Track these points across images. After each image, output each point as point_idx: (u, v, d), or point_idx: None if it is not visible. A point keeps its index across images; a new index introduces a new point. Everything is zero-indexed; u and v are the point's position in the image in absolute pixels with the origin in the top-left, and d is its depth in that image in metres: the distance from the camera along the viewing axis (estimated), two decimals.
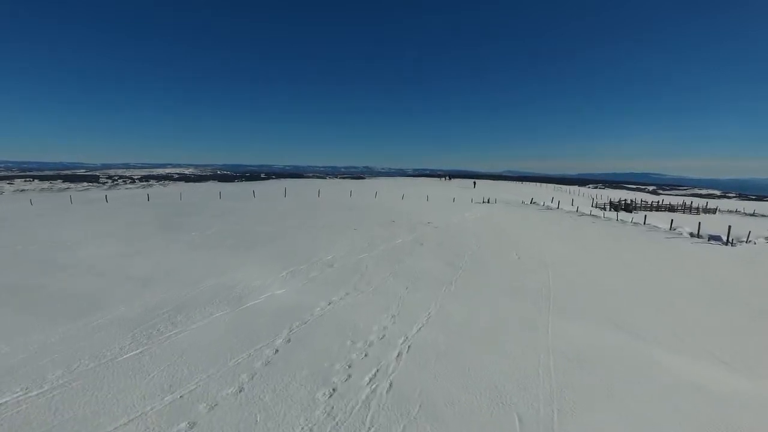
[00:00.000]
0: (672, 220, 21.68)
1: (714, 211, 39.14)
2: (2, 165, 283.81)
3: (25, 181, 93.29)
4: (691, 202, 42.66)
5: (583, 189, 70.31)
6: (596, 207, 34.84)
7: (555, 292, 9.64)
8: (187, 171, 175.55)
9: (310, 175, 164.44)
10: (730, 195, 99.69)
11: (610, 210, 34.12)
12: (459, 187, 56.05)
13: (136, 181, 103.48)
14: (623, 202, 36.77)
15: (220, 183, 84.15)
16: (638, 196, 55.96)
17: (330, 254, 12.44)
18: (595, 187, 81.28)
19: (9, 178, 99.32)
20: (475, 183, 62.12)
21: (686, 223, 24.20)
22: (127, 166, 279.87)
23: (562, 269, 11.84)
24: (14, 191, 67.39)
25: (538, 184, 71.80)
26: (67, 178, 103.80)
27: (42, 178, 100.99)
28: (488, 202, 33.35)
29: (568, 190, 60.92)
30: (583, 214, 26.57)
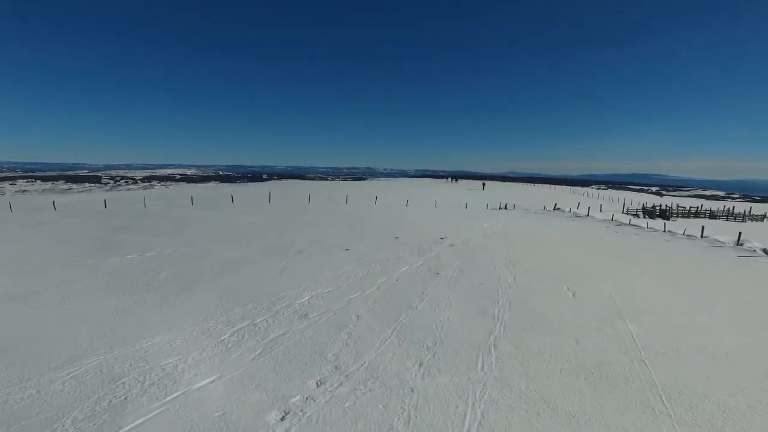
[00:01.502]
0: (740, 233, 17.71)
1: (762, 218, 34.77)
2: (6, 166, 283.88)
3: (27, 182, 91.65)
4: (733, 208, 38.25)
5: (606, 192, 65.25)
6: (627, 213, 30.69)
7: (663, 380, 5.73)
8: (189, 172, 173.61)
9: (312, 176, 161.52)
10: (734, 195, 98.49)
11: (644, 216, 30.00)
12: (467, 189, 51.89)
13: (138, 181, 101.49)
14: (658, 207, 32.50)
15: (221, 183, 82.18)
16: (663, 200, 51.74)
17: (306, 294, 8.62)
18: (599, 188, 78.48)
19: (11, 179, 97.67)
20: (484, 184, 57.97)
21: (736, 233, 20.07)
22: (129, 167, 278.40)
23: (647, 320, 7.94)
24: (16, 192, 65.99)
25: (552, 186, 67.45)
26: (69, 179, 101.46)
27: (44, 179, 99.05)
28: (505, 208, 29.38)
29: (586, 193, 56.36)
30: (620, 224, 22.54)
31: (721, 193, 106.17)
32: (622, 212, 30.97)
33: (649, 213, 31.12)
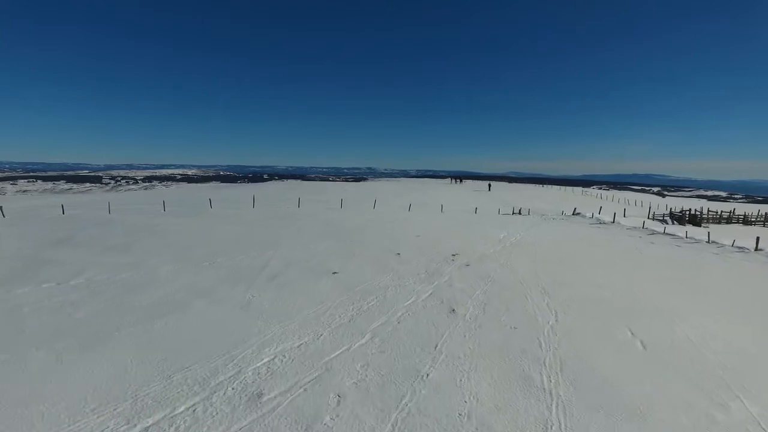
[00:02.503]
0: None
1: None
2: (7, 166, 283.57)
3: (28, 181, 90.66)
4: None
5: (607, 192, 62.63)
6: (653, 218, 27.85)
7: None
8: (190, 172, 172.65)
9: (313, 176, 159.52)
10: (736, 196, 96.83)
11: (672, 222, 27.17)
12: (473, 191, 49.01)
13: (139, 181, 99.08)
14: (686, 212, 29.57)
15: (221, 184, 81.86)
16: (688, 203, 48.76)
17: (268, 350, 5.97)
18: (600, 188, 76.40)
19: (13, 179, 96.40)
20: (490, 185, 55.19)
21: None
22: (130, 167, 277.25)
23: None
24: (17, 192, 65.28)
25: (562, 187, 64.33)
26: (70, 179, 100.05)
27: (45, 179, 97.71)
28: (519, 212, 26.68)
29: (600, 195, 53.05)
30: (654, 233, 19.78)
31: (723, 194, 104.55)
32: (648, 217, 28.12)
33: (678, 218, 28.26)
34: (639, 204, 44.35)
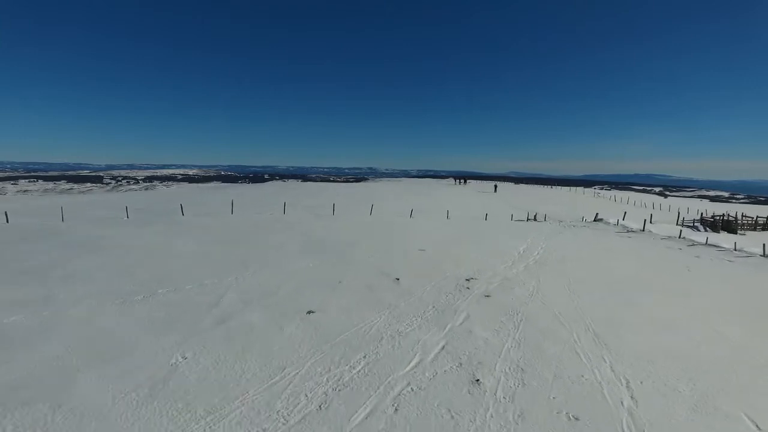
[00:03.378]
0: None
1: None
2: (9, 166, 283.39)
3: (29, 181, 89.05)
4: None
5: (609, 192, 60.58)
6: (683, 224, 25.01)
7: None
8: (191, 172, 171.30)
9: (314, 176, 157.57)
10: (738, 196, 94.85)
11: (704, 229, 24.40)
12: (478, 192, 45.89)
13: (140, 181, 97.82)
14: (720, 218, 26.56)
15: (223, 183, 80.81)
16: (695, 205, 46.07)
17: None
18: (602, 188, 75.03)
19: (14, 179, 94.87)
20: (496, 186, 51.89)
21: None
22: (131, 167, 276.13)
23: None
24: (17, 192, 63.77)
25: (572, 188, 61.35)
26: (71, 179, 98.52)
27: (46, 179, 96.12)
28: (534, 218, 23.73)
29: (614, 197, 49.46)
30: (694, 243, 17.07)
31: (726, 194, 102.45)
32: (677, 223, 25.33)
33: (711, 225, 25.41)
34: (658, 207, 41.41)
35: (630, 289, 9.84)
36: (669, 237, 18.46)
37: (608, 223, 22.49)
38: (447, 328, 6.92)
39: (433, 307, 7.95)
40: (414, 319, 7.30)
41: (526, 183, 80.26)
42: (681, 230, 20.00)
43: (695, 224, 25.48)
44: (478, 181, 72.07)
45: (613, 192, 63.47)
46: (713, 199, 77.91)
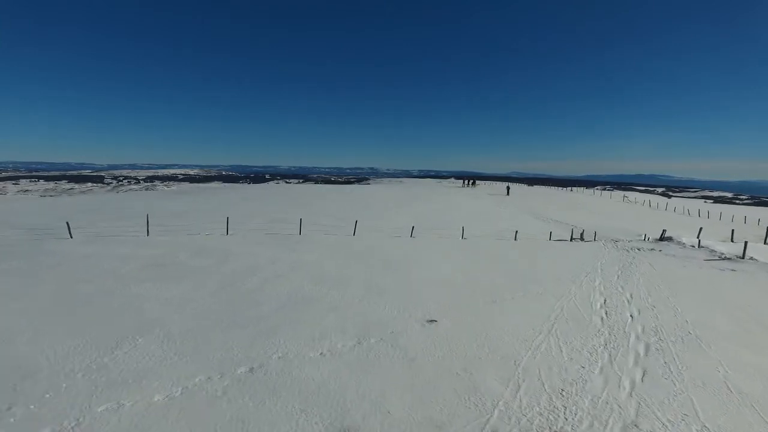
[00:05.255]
0: None
1: None
2: (11, 166, 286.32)
3: (30, 181, 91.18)
4: None
5: (612, 193, 58.52)
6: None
7: None
8: (192, 172, 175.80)
9: (315, 176, 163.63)
10: (742, 197, 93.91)
11: None
12: (488, 195, 39.99)
13: (141, 181, 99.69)
14: None
15: (224, 183, 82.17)
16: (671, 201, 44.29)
17: None
18: (604, 189, 73.49)
19: (15, 179, 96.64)
20: (508, 188, 46.56)
21: None
22: (133, 167, 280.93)
23: None
24: (18, 192, 62.90)
25: (596, 190, 56.71)
26: (72, 179, 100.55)
27: (47, 179, 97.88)
28: (581, 238, 18.84)
29: (647, 202, 41.54)
30: None
31: (729, 195, 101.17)
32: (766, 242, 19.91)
33: None
34: (705, 215, 36.24)
35: None
36: None
37: (683, 244, 17.24)
38: None
39: None
40: None
41: (528, 184, 73.29)
42: None
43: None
44: (486, 182, 65.08)
45: (615, 192, 61.05)
46: (717, 200, 75.40)
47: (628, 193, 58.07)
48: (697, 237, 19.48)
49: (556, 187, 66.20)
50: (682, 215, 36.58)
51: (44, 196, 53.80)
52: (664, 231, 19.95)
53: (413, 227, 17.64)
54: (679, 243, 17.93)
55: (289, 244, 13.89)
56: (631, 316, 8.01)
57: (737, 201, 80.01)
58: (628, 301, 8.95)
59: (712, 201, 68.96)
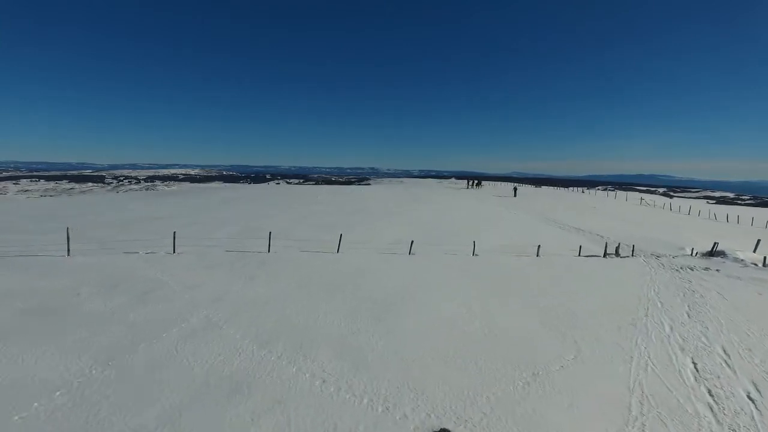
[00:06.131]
0: None
1: None
2: (12, 165, 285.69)
3: (30, 181, 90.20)
4: None
5: (613, 193, 56.99)
6: None
7: None
8: (192, 172, 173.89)
9: (315, 176, 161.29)
10: (743, 197, 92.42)
11: None
12: (495, 198, 37.19)
13: (141, 181, 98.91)
14: None
15: (224, 183, 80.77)
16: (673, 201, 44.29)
17: None
18: (605, 189, 71.65)
19: (15, 178, 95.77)
20: (516, 190, 43.70)
21: None
22: (134, 167, 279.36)
23: None
24: (18, 191, 62.34)
25: (605, 191, 54.48)
26: (73, 179, 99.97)
27: (48, 179, 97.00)
28: (617, 253, 16.29)
29: (680, 208, 37.38)
30: None
31: (731, 195, 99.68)
32: None
33: None
34: (723, 218, 33.61)
35: None
36: None
37: (742, 261, 14.97)
38: None
39: None
40: None
41: (535, 185, 70.31)
42: None
43: None
44: (491, 183, 61.95)
45: (617, 193, 59.03)
46: (719, 200, 73.59)
47: (645, 195, 54.08)
48: (754, 251, 17.17)
49: (563, 188, 63.45)
50: (703, 219, 33.39)
51: (44, 195, 52.89)
52: (715, 244, 17.00)
53: (412, 242, 14.69)
54: (736, 260, 15.44)
55: (249, 268, 11.12)
56: (750, 398, 5.42)
57: (739, 201, 77.76)
58: (726, 363, 6.41)
59: (714, 201, 66.63)
